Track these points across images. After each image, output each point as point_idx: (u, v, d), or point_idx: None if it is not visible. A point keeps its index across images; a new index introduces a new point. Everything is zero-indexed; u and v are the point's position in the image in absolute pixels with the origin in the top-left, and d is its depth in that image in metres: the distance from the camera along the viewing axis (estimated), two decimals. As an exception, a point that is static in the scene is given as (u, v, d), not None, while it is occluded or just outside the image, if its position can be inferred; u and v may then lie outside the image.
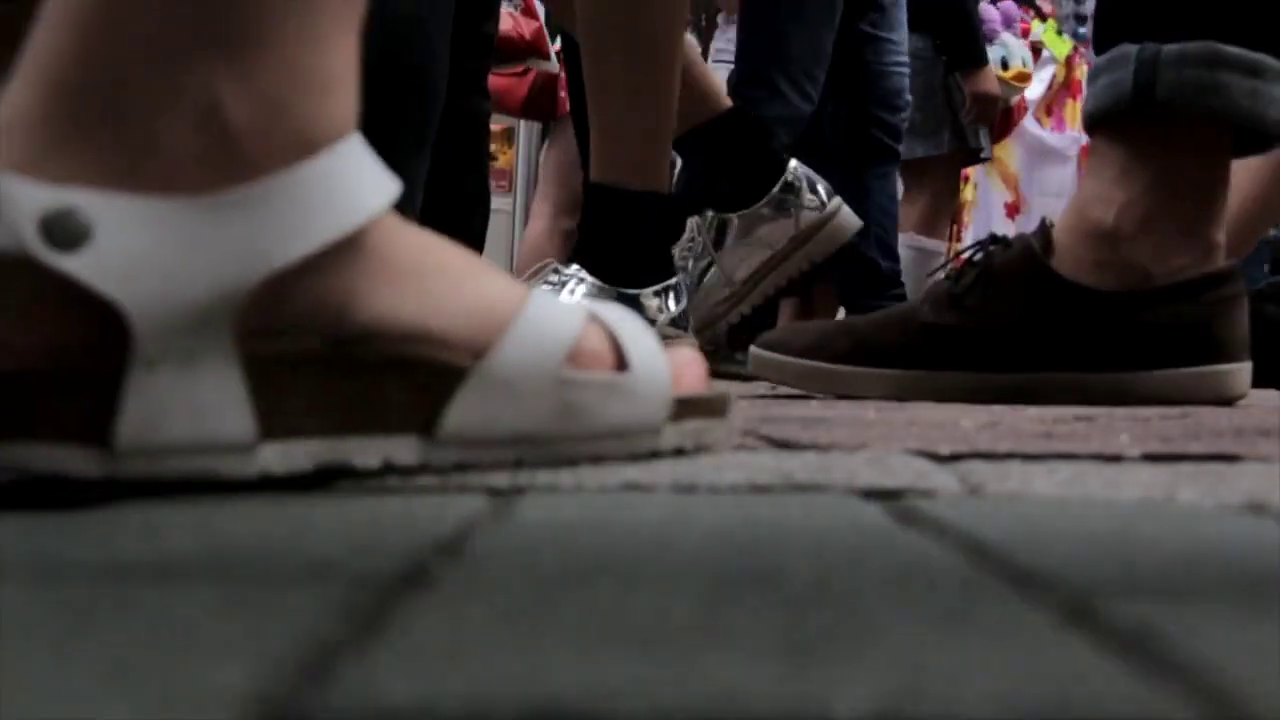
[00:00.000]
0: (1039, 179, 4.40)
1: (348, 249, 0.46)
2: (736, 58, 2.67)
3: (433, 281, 0.48)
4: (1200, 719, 0.19)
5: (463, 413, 0.48)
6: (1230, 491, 0.46)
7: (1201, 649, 0.23)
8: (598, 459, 0.51)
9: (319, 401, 0.45)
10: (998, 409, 1.00)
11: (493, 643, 0.23)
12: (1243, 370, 1.14)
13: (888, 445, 0.61)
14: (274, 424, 0.44)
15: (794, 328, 1.30)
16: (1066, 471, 0.52)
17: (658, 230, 1.37)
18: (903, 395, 1.16)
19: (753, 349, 1.27)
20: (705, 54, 3.66)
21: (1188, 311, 1.12)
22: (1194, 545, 0.37)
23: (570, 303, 0.53)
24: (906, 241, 3.09)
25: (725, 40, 3.68)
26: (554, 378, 0.49)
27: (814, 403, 1.12)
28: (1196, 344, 1.12)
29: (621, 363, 0.52)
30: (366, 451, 0.46)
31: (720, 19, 3.69)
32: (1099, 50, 1.20)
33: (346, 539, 0.35)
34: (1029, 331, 1.14)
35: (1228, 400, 1.13)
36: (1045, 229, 1.17)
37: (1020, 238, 1.18)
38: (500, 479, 0.46)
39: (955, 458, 0.56)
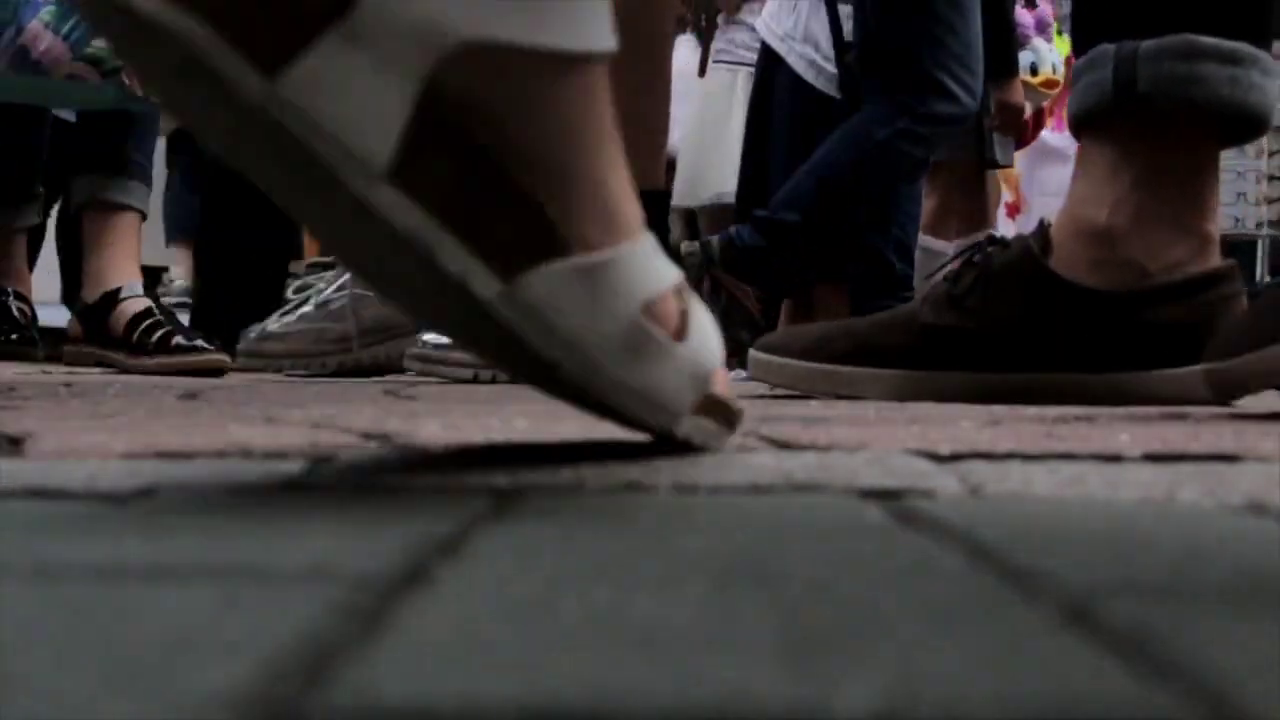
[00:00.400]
0: (1039, 179, 4.41)
1: (579, 63, 0.47)
2: (887, 69, 2.64)
3: (610, 150, 0.49)
4: (1200, 719, 0.19)
5: (543, 284, 0.48)
6: (1230, 491, 0.46)
7: (1201, 649, 0.23)
8: (617, 414, 0.51)
9: (449, 187, 0.46)
10: (998, 409, 1.00)
11: (493, 643, 0.23)
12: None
13: (888, 445, 0.61)
14: (405, 172, 0.45)
15: (793, 330, 1.30)
16: (1066, 471, 0.52)
17: (657, 229, 1.37)
18: (903, 396, 1.16)
19: (752, 352, 1.27)
20: (706, 54, 3.66)
21: (1187, 311, 1.12)
22: (1194, 545, 0.37)
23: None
24: (918, 242, 3.09)
25: (725, 40, 3.68)
26: (631, 314, 0.50)
27: (814, 403, 1.12)
28: (1196, 343, 1.13)
29: (681, 336, 0.53)
30: (454, 255, 0.46)
31: (720, 19, 3.69)
32: (1078, 52, 1.20)
33: (346, 539, 0.35)
34: (1028, 332, 1.14)
35: (1227, 400, 1.13)
36: (1044, 229, 1.17)
37: (1019, 238, 1.18)
38: (500, 479, 0.46)
39: (955, 458, 0.56)
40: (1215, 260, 1.15)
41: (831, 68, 2.72)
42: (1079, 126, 1.19)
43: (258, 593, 0.28)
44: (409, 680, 0.20)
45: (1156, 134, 1.15)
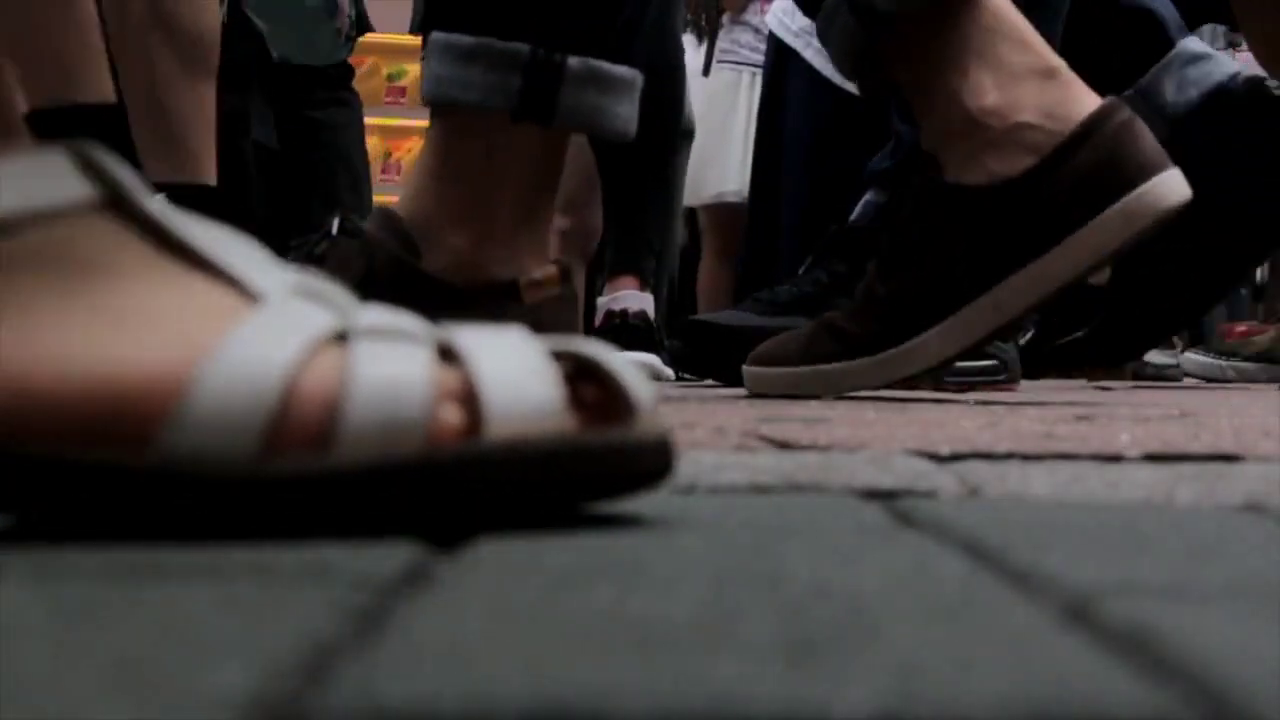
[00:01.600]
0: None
1: None
2: None
3: None
4: (1200, 719, 0.19)
5: None
6: (1230, 491, 0.46)
7: (1201, 649, 0.23)
8: None
9: None
10: (998, 409, 1.00)
11: (493, 643, 0.23)
12: (1171, 176, 1.10)
13: (888, 445, 0.61)
14: None
15: (781, 339, 1.28)
16: (1066, 471, 0.52)
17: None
18: (892, 377, 1.14)
19: (747, 369, 1.25)
20: (710, 54, 3.66)
21: (1089, 156, 1.10)
22: (1194, 545, 0.37)
23: None
24: None
25: (729, 41, 3.68)
26: None
27: (814, 403, 1.12)
28: (1114, 178, 1.10)
29: None
30: None
31: (724, 19, 3.69)
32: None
33: (346, 539, 0.35)
34: (968, 252, 1.12)
35: (1173, 211, 1.10)
36: (923, 152, 1.16)
37: (917, 157, 1.17)
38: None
39: (955, 458, 0.56)
40: (1082, 92, 1.13)
41: None
42: (856, 76, 1.19)
43: (258, 593, 0.28)
44: (409, 680, 0.20)
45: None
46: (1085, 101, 1.11)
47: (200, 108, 1.64)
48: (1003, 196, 1.10)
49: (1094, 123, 1.10)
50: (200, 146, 1.64)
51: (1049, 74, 1.12)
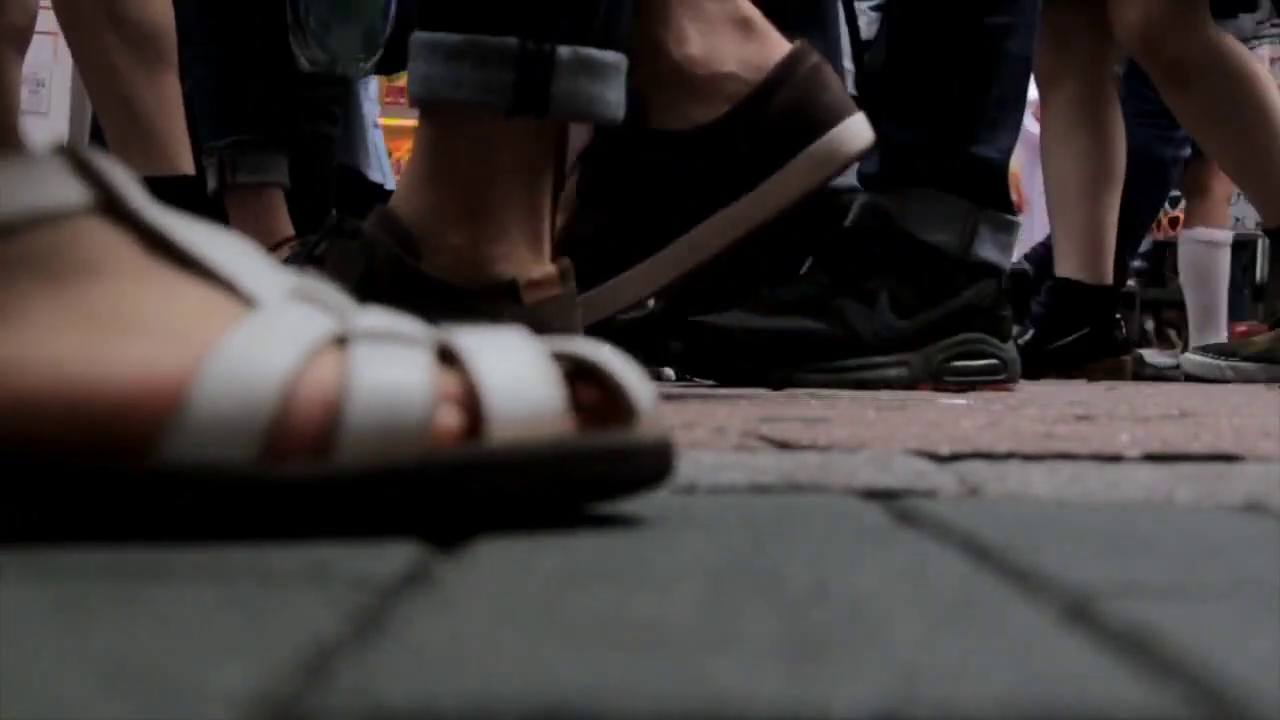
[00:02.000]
0: (1040, 178, 4.41)
1: None
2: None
3: None
4: (1200, 719, 0.19)
5: None
6: (1230, 491, 0.46)
7: (1201, 649, 0.23)
8: None
9: None
10: (998, 409, 1.00)
11: (493, 643, 0.23)
12: (854, 122, 1.14)
13: (888, 445, 0.61)
14: None
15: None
16: (1066, 471, 0.52)
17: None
18: (608, 311, 1.15)
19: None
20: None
21: (780, 103, 1.13)
22: (1194, 545, 0.37)
23: None
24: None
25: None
26: None
27: (814, 403, 1.12)
28: (803, 125, 1.13)
29: None
30: None
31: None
32: None
33: (347, 539, 0.35)
34: (673, 194, 1.15)
35: (856, 155, 1.15)
36: (630, 92, 1.17)
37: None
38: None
39: (955, 458, 0.56)
40: (777, 43, 1.15)
41: (846, 63, 2.71)
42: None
43: (258, 593, 0.28)
44: (409, 680, 0.20)
45: None
46: (779, 51, 1.15)
47: (163, 99, 1.65)
48: (701, 142, 1.14)
49: (784, 70, 1.14)
50: (170, 136, 1.64)
51: (745, 24, 1.16)
